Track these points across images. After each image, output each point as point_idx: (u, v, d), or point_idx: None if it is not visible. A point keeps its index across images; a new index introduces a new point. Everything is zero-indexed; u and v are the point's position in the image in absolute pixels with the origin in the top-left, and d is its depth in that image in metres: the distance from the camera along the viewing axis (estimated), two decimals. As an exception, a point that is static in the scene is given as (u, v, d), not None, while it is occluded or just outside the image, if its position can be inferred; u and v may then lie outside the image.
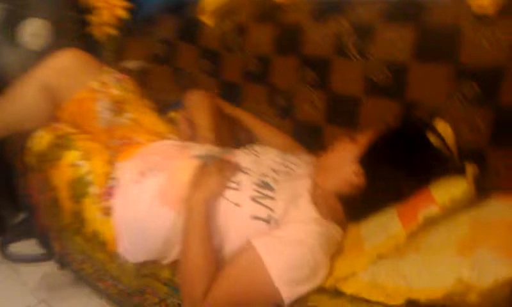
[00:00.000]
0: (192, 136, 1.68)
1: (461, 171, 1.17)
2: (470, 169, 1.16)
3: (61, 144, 1.52)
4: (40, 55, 2.06)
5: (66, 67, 1.58)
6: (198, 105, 1.73)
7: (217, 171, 1.29)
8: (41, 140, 1.60)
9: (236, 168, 1.34)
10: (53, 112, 1.62)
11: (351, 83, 1.56)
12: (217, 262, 1.20)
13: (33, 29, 2.10)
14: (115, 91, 1.57)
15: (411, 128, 1.33)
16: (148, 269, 1.45)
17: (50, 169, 1.55)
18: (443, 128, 1.30)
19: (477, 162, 1.21)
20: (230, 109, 1.80)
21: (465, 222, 1.08)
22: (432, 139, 1.27)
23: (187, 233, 1.23)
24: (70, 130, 1.57)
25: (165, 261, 1.38)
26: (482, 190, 1.16)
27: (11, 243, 2.12)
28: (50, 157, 1.53)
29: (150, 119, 1.65)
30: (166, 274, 1.41)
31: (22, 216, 2.22)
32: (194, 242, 1.19)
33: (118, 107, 1.57)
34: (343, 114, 1.60)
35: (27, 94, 1.60)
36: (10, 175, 2.06)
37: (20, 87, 1.61)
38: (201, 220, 1.21)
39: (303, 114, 1.70)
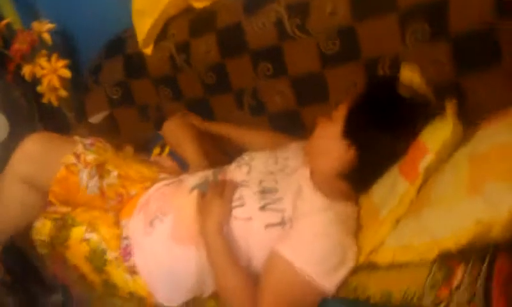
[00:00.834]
0: (180, 168, 1.70)
1: (442, 112, 1.18)
2: (450, 106, 1.17)
3: (64, 226, 1.53)
4: (3, 147, 2.09)
5: (35, 153, 1.54)
6: (178, 135, 1.74)
7: (217, 195, 1.30)
8: (44, 228, 1.60)
9: (233, 184, 1.35)
10: (42, 200, 1.60)
11: (306, 61, 1.57)
12: (252, 279, 1.22)
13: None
14: (91, 157, 1.55)
15: (379, 86, 1.35)
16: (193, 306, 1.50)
17: (63, 252, 1.56)
18: (410, 74, 1.31)
19: (453, 97, 1.21)
20: (206, 126, 1.82)
21: (464, 162, 1.08)
22: (403, 89, 1.29)
23: (214, 265, 1.26)
24: (65, 209, 1.57)
25: (205, 295, 1.41)
26: (468, 123, 1.18)
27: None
28: (59, 241, 1.53)
29: (136, 168, 1.64)
30: (211, 304, 1.44)
31: (56, 297, 2.26)
32: (224, 270, 1.23)
33: (100, 170, 1.55)
34: (312, 93, 1.61)
35: (10, 193, 1.58)
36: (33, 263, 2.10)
37: (1, 189, 1.60)
38: (222, 248, 1.24)
39: (275, 105, 1.72)
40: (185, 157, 1.72)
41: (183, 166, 1.75)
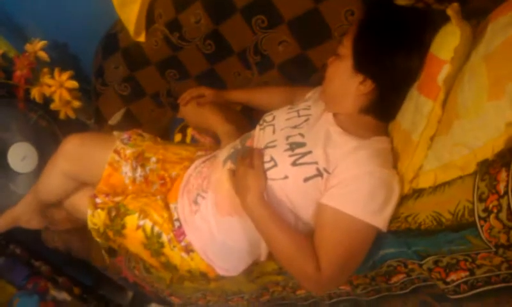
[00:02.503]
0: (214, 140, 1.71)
1: (446, 17, 1.13)
2: (452, 9, 1.12)
3: (117, 214, 1.55)
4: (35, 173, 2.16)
5: (76, 153, 1.60)
6: (199, 112, 1.74)
7: (248, 168, 1.29)
8: (98, 219, 1.58)
9: (258, 150, 1.35)
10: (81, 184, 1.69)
11: (296, 2, 1.54)
12: (305, 236, 1.22)
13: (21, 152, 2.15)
14: (129, 151, 1.58)
15: (376, 6, 1.29)
16: (255, 272, 1.54)
17: (122, 242, 1.59)
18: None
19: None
20: (222, 95, 1.81)
21: (480, 65, 1.04)
22: (402, 1, 1.25)
23: (265, 236, 1.27)
24: (117, 198, 1.59)
25: (262, 258, 1.44)
26: (475, 21, 1.14)
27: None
28: (115, 229, 1.55)
29: (173, 150, 1.67)
30: (272, 266, 1.49)
31: (128, 294, 2.38)
32: (276, 238, 1.22)
33: (140, 159, 1.59)
34: (313, 33, 1.57)
35: (54, 183, 1.67)
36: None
37: (46, 178, 1.69)
38: (269, 217, 1.23)
39: (280, 55, 1.69)
40: (213, 129, 1.72)
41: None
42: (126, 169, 1.57)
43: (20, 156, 2.18)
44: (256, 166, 1.29)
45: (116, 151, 1.58)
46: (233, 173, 1.35)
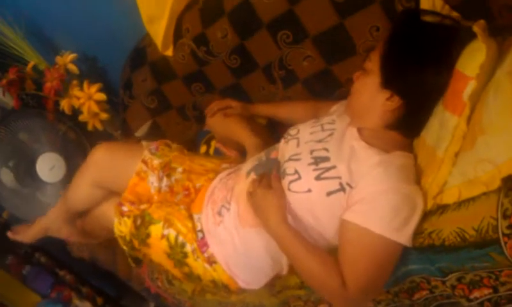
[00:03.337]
0: (239, 153, 1.74)
1: (473, 34, 1.13)
2: (478, 26, 1.13)
3: (143, 223, 1.56)
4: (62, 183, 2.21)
5: (104, 162, 1.65)
6: (226, 124, 1.77)
7: (266, 189, 1.30)
8: (124, 227, 1.60)
9: (275, 174, 1.35)
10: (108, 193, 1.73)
11: (322, 17, 1.54)
12: (328, 252, 1.22)
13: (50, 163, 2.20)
14: (156, 162, 1.61)
15: (404, 22, 1.30)
16: (277, 286, 1.54)
17: (146, 251, 1.61)
18: (431, 2, 1.28)
19: (480, 16, 1.17)
20: (248, 108, 1.84)
21: (505, 81, 1.05)
22: (428, 16, 1.25)
23: (289, 255, 1.28)
24: (142, 206, 1.60)
25: (284, 272, 1.44)
26: (501, 38, 1.14)
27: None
28: (140, 238, 1.57)
29: (198, 161, 1.70)
30: (294, 280, 1.48)
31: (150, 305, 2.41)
32: (300, 255, 1.22)
33: (166, 170, 1.62)
34: (337, 48, 1.57)
35: (83, 192, 1.72)
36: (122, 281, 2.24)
37: (75, 187, 1.74)
38: (291, 237, 1.23)
39: (305, 70, 1.69)
40: (240, 141, 1.74)
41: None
42: (152, 179, 1.61)
43: (49, 166, 2.23)
44: (276, 187, 1.29)
45: (144, 161, 1.61)
46: (251, 195, 1.35)
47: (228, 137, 1.82)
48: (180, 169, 1.64)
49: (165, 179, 1.61)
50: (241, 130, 1.74)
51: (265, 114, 1.84)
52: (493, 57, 1.11)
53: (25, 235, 1.98)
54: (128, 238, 1.59)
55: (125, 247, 1.64)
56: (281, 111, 1.79)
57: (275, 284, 1.53)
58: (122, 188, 1.62)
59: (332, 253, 1.22)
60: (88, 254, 2.38)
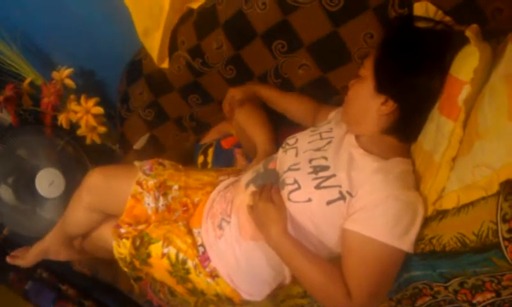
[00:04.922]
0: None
1: (466, 38, 1.14)
2: (471, 30, 1.13)
3: (142, 243, 1.56)
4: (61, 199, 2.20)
5: (99, 186, 1.62)
6: (252, 118, 1.80)
7: (267, 202, 1.29)
8: (124, 248, 1.59)
9: (274, 185, 1.34)
10: (105, 217, 1.71)
11: (316, 25, 1.54)
12: (331, 262, 1.22)
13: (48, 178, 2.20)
14: (151, 182, 1.59)
15: (397, 28, 1.31)
16: (280, 296, 1.53)
17: (148, 271, 1.60)
18: (423, 5, 1.28)
19: (473, 20, 1.18)
20: (250, 89, 1.83)
21: (500, 85, 1.05)
22: (421, 21, 1.26)
23: (291, 267, 1.28)
24: (140, 226, 1.60)
25: (286, 281, 1.44)
26: (495, 41, 1.14)
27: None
28: (140, 258, 1.57)
29: (194, 176, 1.68)
30: (297, 289, 1.48)
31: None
32: (303, 267, 1.22)
33: (162, 189, 1.60)
34: (332, 55, 1.58)
35: (79, 217, 1.70)
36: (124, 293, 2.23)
37: (71, 212, 1.72)
38: (293, 249, 1.23)
39: (301, 78, 1.70)
40: (257, 143, 1.75)
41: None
42: (148, 200, 1.58)
43: (48, 181, 2.23)
44: (277, 200, 1.29)
45: (139, 183, 1.59)
46: (251, 209, 1.34)
47: (247, 133, 1.82)
48: (176, 187, 1.62)
49: (161, 198, 1.59)
50: (262, 135, 1.76)
51: (269, 96, 1.82)
52: (487, 61, 1.11)
53: (23, 259, 1.98)
54: (128, 259, 1.58)
55: (126, 269, 1.63)
56: (286, 99, 1.78)
57: (278, 294, 1.52)
58: (119, 212, 1.61)
59: (335, 262, 1.21)
60: (89, 269, 2.38)
